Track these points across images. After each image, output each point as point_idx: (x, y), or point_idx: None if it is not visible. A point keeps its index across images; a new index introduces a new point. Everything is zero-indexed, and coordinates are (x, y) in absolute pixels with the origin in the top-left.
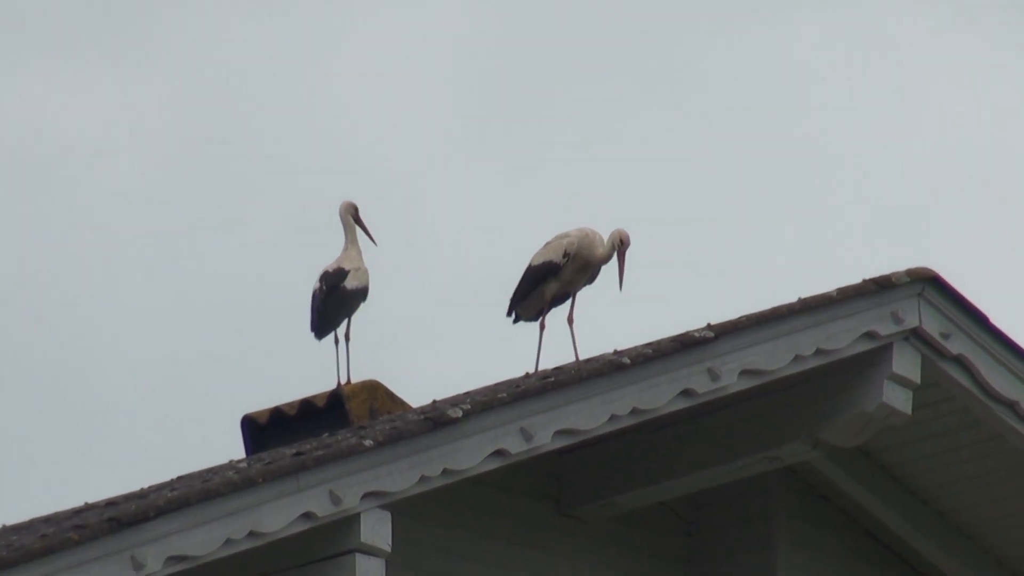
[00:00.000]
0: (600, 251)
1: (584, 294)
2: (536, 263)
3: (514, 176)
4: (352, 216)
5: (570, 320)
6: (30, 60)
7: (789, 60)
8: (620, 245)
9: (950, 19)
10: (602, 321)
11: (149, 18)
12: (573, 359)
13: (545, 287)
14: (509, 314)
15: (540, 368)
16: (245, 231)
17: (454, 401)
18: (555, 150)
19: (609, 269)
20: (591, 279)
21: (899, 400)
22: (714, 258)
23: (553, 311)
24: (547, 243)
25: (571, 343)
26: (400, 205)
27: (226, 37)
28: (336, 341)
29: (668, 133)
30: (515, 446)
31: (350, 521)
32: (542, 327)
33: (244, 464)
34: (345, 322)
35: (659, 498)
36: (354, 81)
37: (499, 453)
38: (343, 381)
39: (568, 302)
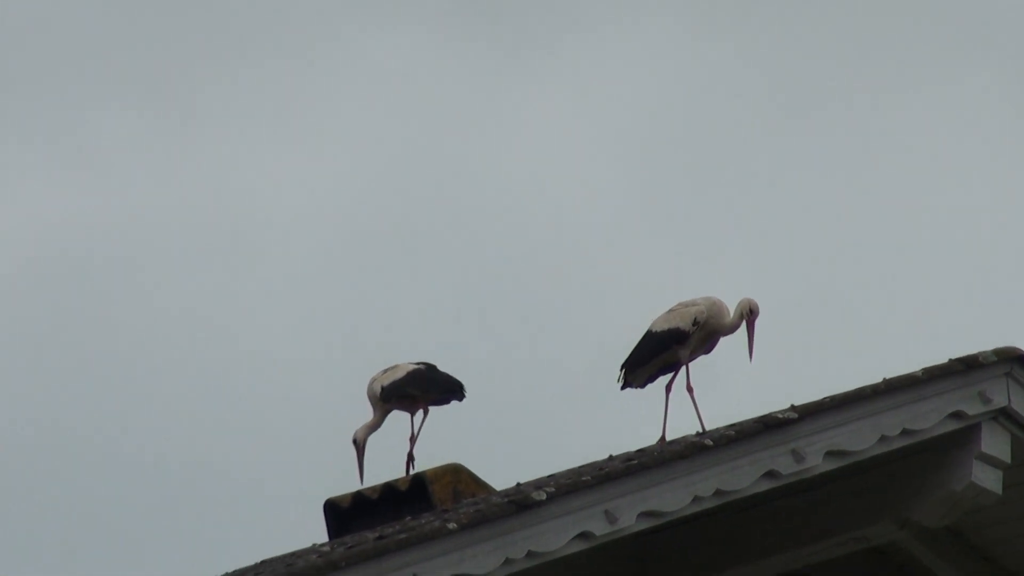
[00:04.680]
0: (728, 320)
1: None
2: (659, 329)
3: (667, 255)
4: None
5: (689, 389)
6: (228, 133)
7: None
8: (749, 315)
9: None
10: (683, 402)
11: (333, 92)
12: (698, 427)
13: (669, 355)
14: (621, 379)
15: (661, 436)
16: (400, 308)
17: (538, 484)
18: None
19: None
20: (708, 350)
21: (988, 480)
22: (799, 336)
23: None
24: (671, 310)
25: (694, 411)
26: (556, 280)
27: (403, 112)
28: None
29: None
30: (599, 528)
31: None
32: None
33: (327, 548)
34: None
35: None
36: (528, 158)
37: (583, 535)
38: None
39: (681, 371)
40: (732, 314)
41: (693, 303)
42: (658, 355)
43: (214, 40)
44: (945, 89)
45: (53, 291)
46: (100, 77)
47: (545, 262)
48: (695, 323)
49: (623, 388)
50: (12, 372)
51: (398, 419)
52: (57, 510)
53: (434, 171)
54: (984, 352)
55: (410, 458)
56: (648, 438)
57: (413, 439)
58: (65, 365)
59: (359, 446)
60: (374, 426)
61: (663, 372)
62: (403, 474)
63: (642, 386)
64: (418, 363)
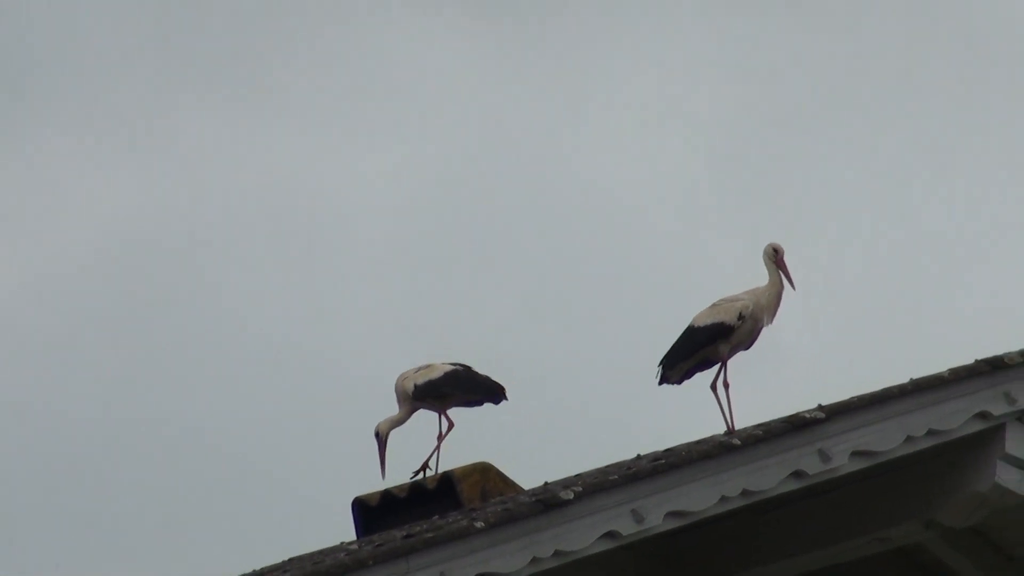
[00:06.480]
0: (772, 310)
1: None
2: (702, 324)
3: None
4: None
5: (726, 385)
6: (301, 126)
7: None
8: (775, 255)
9: None
10: (710, 402)
11: (403, 89)
12: (725, 426)
13: (710, 350)
14: (660, 376)
15: (729, 429)
16: (445, 306)
17: (566, 483)
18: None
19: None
20: (749, 345)
21: (1012, 480)
22: (824, 338)
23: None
24: (714, 305)
25: (721, 410)
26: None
27: (476, 101)
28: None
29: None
30: (626, 528)
31: None
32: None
33: (355, 546)
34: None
35: None
36: (609, 144)
37: (610, 535)
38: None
39: (716, 368)
40: (766, 271)
41: (737, 298)
42: (701, 350)
43: (287, 32)
44: (975, 93)
45: (123, 281)
46: (176, 69)
47: (591, 262)
48: (740, 317)
49: (660, 384)
50: (75, 361)
51: (425, 418)
52: (80, 503)
53: (500, 168)
54: (1010, 353)
55: (424, 466)
56: (677, 437)
57: (437, 449)
58: (124, 354)
59: (381, 440)
60: (398, 421)
61: (700, 368)
62: (421, 475)
63: (679, 382)
64: (454, 364)
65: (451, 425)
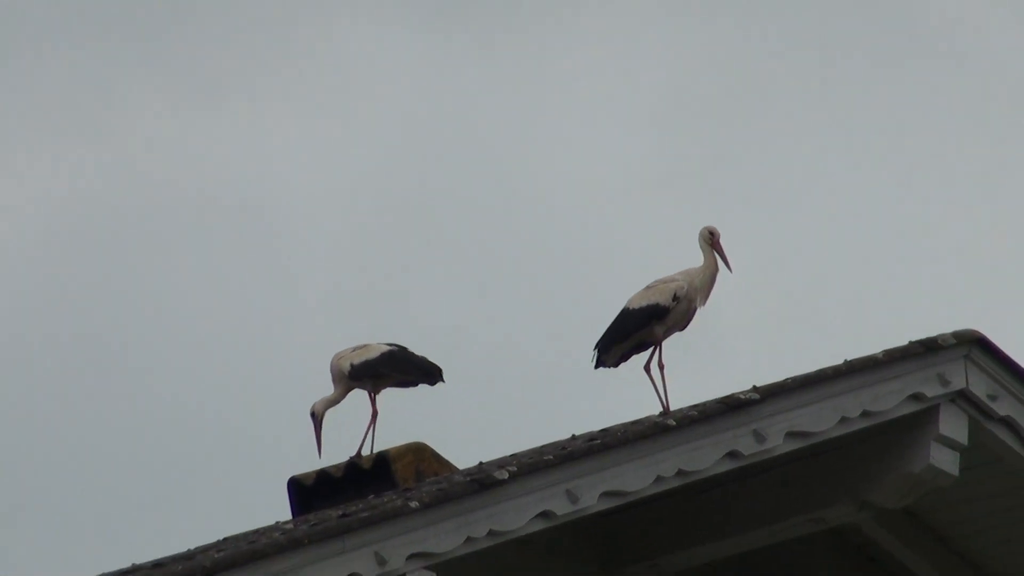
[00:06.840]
0: (706, 290)
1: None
2: (637, 306)
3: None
4: None
5: (661, 366)
6: (235, 105)
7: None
8: (711, 237)
9: None
10: (646, 384)
11: (353, 69)
12: (660, 407)
13: (645, 332)
14: (596, 359)
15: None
16: (386, 288)
17: (500, 463)
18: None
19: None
20: (684, 326)
21: (946, 462)
22: (760, 319)
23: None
24: (648, 287)
25: (656, 391)
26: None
27: (427, 86)
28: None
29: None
30: (561, 508)
31: None
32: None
33: (290, 526)
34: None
35: (705, 559)
36: (554, 129)
37: (545, 515)
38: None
39: (651, 350)
40: (701, 254)
41: (672, 279)
42: (636, 332)
43: (234, 17)
44: (917, 80)
45: (68, 264)
46: (120, 52)
47: (529, 244)
48: (675, 298)
49: (596, 367)
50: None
51: (361, 399)
52: (20, 492)
53: (442, 152)
54: (943, 335)
55: (359, 453)
56: (613, 419)
57: (369, 433)
58: (59, 341)
59: (317, 420)
60: (334, 401)
61: (636, 351)
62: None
63: (615, 365)
64: (390, 344)
65: (375, 413)
